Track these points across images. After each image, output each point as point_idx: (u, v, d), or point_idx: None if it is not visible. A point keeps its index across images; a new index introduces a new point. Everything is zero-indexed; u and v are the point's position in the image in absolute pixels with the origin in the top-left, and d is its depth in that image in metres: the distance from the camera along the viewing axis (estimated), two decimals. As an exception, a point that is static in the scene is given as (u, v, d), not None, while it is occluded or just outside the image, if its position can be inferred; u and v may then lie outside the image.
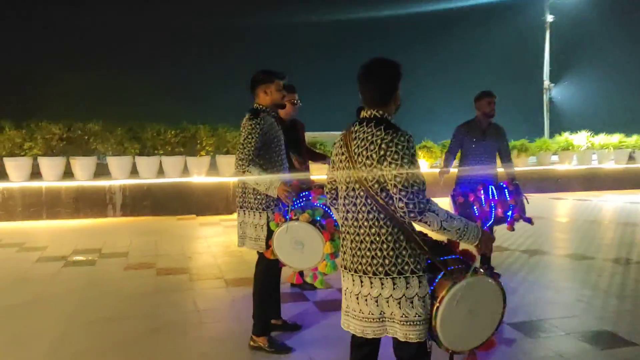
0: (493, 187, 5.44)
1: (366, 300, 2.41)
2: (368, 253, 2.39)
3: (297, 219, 3.49)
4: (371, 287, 2.39)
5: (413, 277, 2.35)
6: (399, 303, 2.35)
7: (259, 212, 3.76)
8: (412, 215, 2.27)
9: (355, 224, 2.44)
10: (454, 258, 2.49)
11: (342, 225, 2.56)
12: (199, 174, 10.13)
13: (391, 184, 2.30)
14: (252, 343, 3.86)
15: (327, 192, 2.77)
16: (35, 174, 9.66)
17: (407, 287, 2.34)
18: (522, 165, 13.37)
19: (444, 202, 5.58)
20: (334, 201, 2.72)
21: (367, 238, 2.40)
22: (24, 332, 4.28)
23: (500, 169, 5.72)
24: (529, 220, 5.50)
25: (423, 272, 2.39)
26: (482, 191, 5.40)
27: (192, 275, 5.85)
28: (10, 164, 9.30)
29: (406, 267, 2.35)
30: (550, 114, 16.89)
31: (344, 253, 2.53)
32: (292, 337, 4.06)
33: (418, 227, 2.40)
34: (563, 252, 6.90)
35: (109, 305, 4.90)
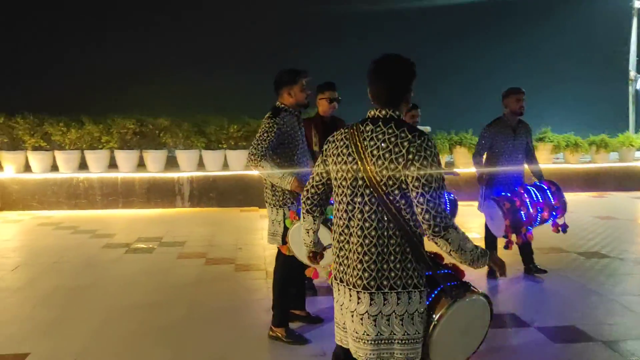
0: (535, 189, 5.26)
1: (362, 319, 2.26)
2: (373, 266, 2.23)
3: None
4: (370, 304, 2.24)
5: (415, 291, 2.24)
6: (402, 320, 2.23)
7: (276, 209, 3.90)
8: (436, 230, 2.15)
9: (360, 233, 2.26)
10: (447, 273, 2.42)
11: (339, 234, 2.35)
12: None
13: (417, 192, 2.15)
14: (270, 333, 4.02)
15: (307, 198, 2.55)
16: (112, 165, 10.40)
17: (409, 303, 2.23)
18: (602, 161, 12.59)
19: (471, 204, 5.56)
20: (315, 207, 2.55)
21: (372, 249, 2.23)
22: (76, 313, 4.70)
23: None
24: (565, 228, 5.30)
25: (424, 287, 2.27)
26: (525, 194, 5.23)
27: (237, 266, 6.12)
28: (90, 156, 10.08)
29: (409, 282, 2.23)
30: (635, 107, 15.73)
31: (340, 264, 2.35)
32: (312, 330, 4.18)
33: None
34: (626, 256, 6.50)
35: (154, 291, 5.25)
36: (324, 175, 2.46)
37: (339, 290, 2.39)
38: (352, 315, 2.29)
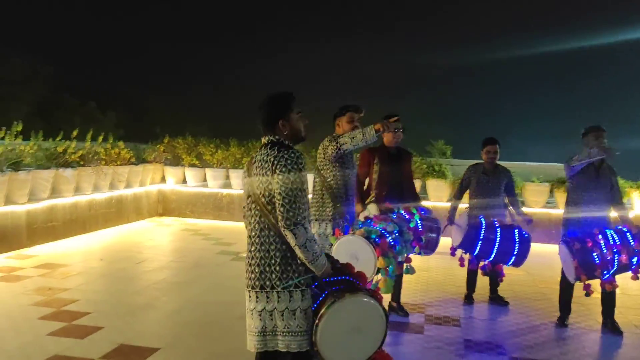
0: (613, 232, 4.88)
1: (252, 314, 2.67)
2: (257, 269, 2.64)
3: (354, 234, 4.01)
4: (257, 301, 2.64)
5: (296, 291, 2.61)
6: (282, 315, 2.60)
7: (325, 223, 4.37)
8: (287, 223, 2.51)
9: (249, 240, 2.71)
10: (344, 279, 2.71)
11: (247, 245, 2.76)
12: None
13: (276, 192, 2.54)
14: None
15: (244, 215, 2.85)
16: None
17: (290, 300, 2.60)
18: None
19: (554, 247, 5.32)
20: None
21: (257, 254, 2.65)
22: (160, 302, 5.61)
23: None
24: None
25: (306, 287, 2.63)
26: (599, 236, 4.89)
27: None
28: (232, 174, 11.41)
29: (290, 282, 2.60)
30: None
31: (246, 271, 2.74)
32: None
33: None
34: None
35: (230, 293, 5.94)
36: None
37: (246, 294, 2.78)
38: (247, 312, 2.73)
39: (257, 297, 2.66)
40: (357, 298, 2.60)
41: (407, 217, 5.08)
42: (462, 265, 5.83)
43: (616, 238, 4.89)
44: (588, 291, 5.02)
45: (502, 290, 6.19)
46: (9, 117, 9.58)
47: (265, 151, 2.68)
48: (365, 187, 5.50)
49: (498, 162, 5.95)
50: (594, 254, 4.89)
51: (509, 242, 5.51)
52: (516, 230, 5.58)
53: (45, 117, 25.64)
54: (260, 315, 2.65)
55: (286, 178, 2.55)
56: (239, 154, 11.33)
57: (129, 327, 4.79)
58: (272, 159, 2.61)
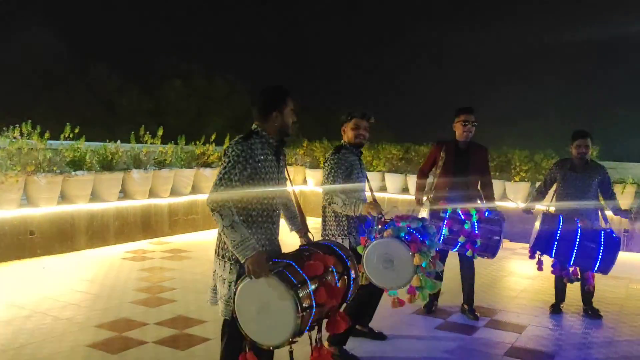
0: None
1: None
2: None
3: (382, 236, 3.64)
4: (214, 263, 3.00)
5: (227, 262, 2.88)
6: (218, 280, 2.94)
7: (342, 238, 4.08)
8: (209, 206, 2.76)
9: None
10: (285, 262, 2.77)
11: None
12: (514, 199, 10.07)
13: None
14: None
15: None
16: (382, 186, 11.69)
17: (223, 269, 2.90)
18: None
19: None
20: None
21: None
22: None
23: None
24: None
25: (234, 262, 2.84)
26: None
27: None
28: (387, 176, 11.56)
29: (225, 253, 2.90)
30: None
31: None
32: (371, 347, 4.39)
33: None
34: None
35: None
36: None
37: None
38: None
39: (214, 260, 3.00)
40: (253, 281, 2.67)
41: (462, 218, 4.86)
42: (539, 269, 5.28)
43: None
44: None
45: (611, 303, 5.51)
46: (205, 130, 11.14)
47: None
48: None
49: (591, 159, 5.33)
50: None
51: (593, 244, 4.88)
52: (602, 232, 4.92)
53: (237, 128, 28.59)
54: (213, 275, 3.00)
55: (220, 167, 2.81)
56: (369, 156, 11.52)
57: (195, 303, 5.35)
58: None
